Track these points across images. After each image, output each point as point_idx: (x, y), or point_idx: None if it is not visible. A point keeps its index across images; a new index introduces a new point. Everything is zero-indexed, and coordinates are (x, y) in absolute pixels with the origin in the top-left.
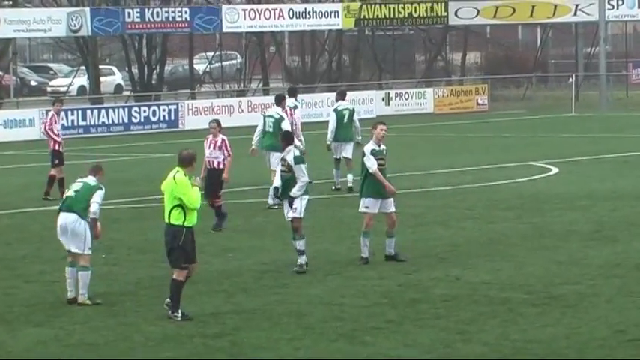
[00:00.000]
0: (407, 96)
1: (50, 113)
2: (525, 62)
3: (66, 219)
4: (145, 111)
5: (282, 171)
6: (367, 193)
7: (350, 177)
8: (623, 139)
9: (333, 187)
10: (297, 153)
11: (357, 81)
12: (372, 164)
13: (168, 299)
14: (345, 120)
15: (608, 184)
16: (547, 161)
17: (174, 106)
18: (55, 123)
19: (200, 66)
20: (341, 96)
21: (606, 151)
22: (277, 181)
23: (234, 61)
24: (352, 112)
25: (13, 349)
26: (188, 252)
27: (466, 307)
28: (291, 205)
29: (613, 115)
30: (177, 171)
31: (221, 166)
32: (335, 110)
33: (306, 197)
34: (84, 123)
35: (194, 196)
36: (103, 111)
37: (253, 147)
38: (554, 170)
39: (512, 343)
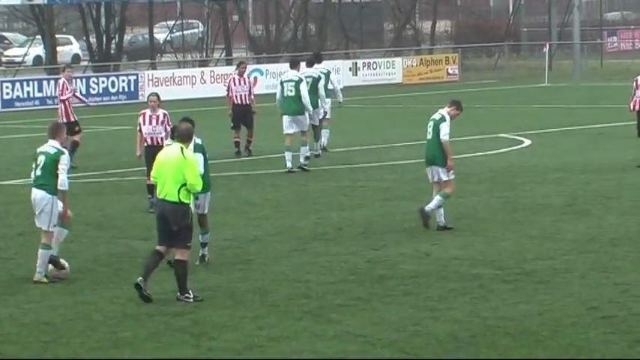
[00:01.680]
0: (375, 66)
1: (61, 81)
2: (497, 31)
3: (35, 195)
4: (103, 82)
5: None
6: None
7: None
8: (597, 110)
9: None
10: (199, 141)
11: (324, 50)
12: (446, 134)
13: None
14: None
15: (582, 157)
16: (519, 133)
17: (134, 77)
18: (66, 90)
19: (160, 35)
20: (307, 64)
21: (580, 123)
22: None
23: (195, 30)
24: (316, 80)
25: None
26: (192, 230)
27: (436, 283)
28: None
29: (587, 85)
30: (181, 147)
31: (164, 142)
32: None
33: (209, 193)
34: (40, 94)
35: (199, 178)
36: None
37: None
38: (527, 142)
39: (483, 321)
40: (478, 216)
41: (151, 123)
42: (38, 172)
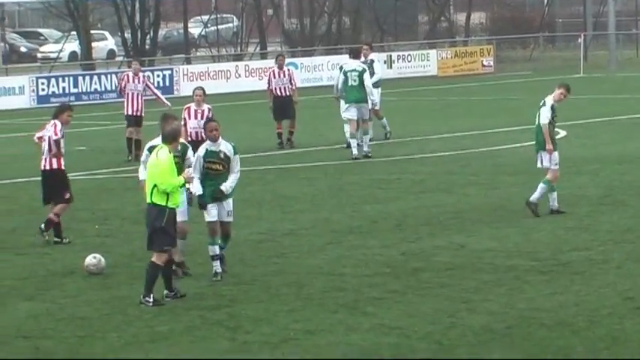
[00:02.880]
0: (409, 58)
1: (123, 74)
2: (532, 22)
3: None
4: None
5: (213, 169)
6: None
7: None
8: (633, 100)
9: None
10: (234, 144)
11: (358, 43)
12: (545, 117)
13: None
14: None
15: (617, 147)
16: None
17: (169, 72)
18: (129, 82)
19: (195, 30)
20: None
21: (616, 113)
22: (198, 188)
23: (230, 25)
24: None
25: (3, 324)
26: (171, 234)
27: (471, 275)
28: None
29: (623, 76)
30: (161, 147)
31: None
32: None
33: (231, 200)
34: (75, 90)
35: (169, 178)
36: (95, 77)
37: (337, 95)
38: (562, 133)
39: (519, 312)
40: (513, 207)
41: (196, 117)
42: None
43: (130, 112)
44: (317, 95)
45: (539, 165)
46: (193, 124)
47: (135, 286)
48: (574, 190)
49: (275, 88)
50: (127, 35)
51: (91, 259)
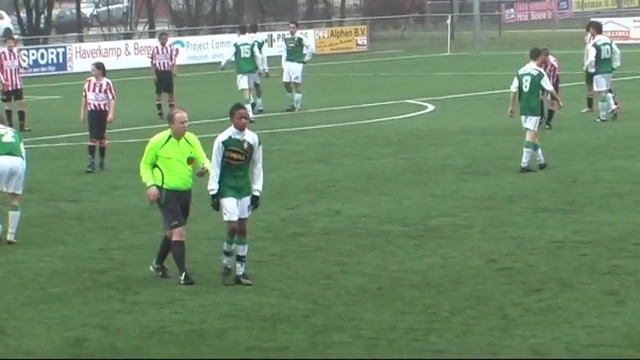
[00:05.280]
0: None
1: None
2: (403, 4)
3: (13, 162)
4: (33, 54)
5: (233, 159)
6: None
7: (259, 101)
8: (496, 77)
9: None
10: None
11: (241, 23)
12: (550, 84)
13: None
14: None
15: (482, 121)
16: (424, 99)
17: (63, 50)
18: (7, 59)
19: (87, 10)
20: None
21: (481, 89)
22: (214, 186)
23: (120, 5)
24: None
25: None
26: (172, 210)
27: (346, 239)
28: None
29: (487, 54)
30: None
31: (107, 108)
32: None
33: (247, 197)
34: None
35: (143, 162)
36: None
37: (223, 65)
38: (431, 107)
39: (391, 274)
40: (386, 176)
41: (94, 90)
42: (10, 139)
43: (8, 88)
44: (202, 72)
45: (525, 126)
46: (91, 96)
47: (29, 250)
48: (441, 160)
49: (158, 63)
50: (23, 14)
51: None
